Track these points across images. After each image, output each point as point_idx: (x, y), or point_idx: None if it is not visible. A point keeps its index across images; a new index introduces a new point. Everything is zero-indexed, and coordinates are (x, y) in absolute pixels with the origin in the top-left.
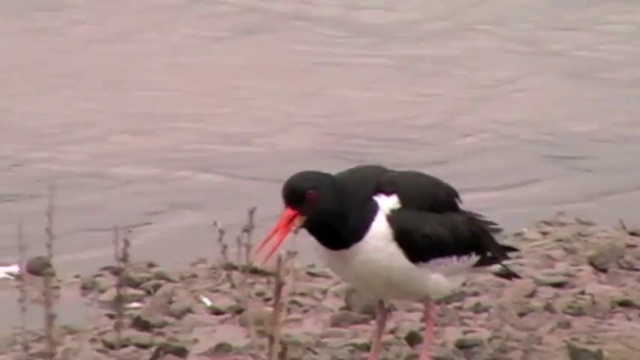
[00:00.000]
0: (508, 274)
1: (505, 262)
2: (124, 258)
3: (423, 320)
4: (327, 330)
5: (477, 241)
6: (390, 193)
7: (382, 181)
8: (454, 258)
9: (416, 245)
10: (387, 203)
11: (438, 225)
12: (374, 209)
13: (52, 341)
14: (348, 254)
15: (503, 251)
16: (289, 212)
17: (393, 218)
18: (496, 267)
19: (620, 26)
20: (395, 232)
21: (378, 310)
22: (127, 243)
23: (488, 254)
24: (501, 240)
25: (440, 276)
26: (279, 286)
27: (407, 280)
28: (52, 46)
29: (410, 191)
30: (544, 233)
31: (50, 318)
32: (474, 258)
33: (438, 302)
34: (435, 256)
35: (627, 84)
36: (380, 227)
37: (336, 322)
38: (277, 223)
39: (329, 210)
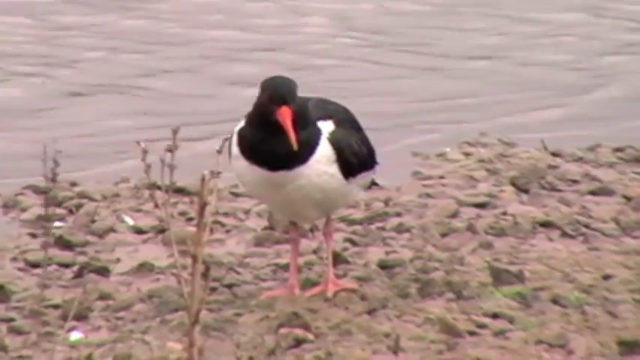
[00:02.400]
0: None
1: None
2: (53, 178)
3: (325, 236)
4: (249, 250)
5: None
6: (326, 118)
7: (312, 108)
8: (371, 171)
9: (352, 162)
10: (327, 128)
11: (361, 142)
12: (318, 133)
13: None
14: (288, 176)
15: None
16: (288, 109)
17: (334, 141)
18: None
19: None
20: (337, 153)
21: (292, 231)
22: (56, 163)
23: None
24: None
25: (358, 187)
26: (202, 205)
27: (338, 197)
28: None
29: (339, 115)
30: (466, 154)
31: None
32: (376, 168)
33: (360, 223)
34: (361, 171)
35: None
36: (325, 151)
37: (258, 242)
38: (287, 121)
39: (306, 113)
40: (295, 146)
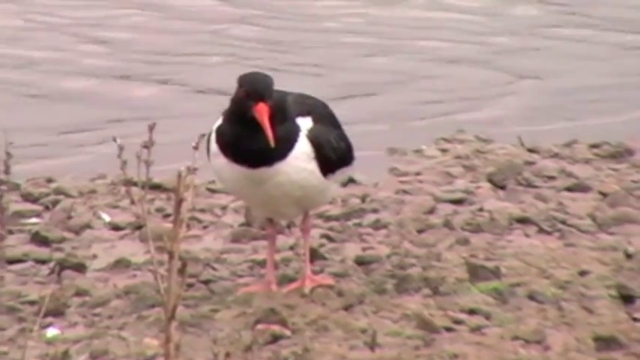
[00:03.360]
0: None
1: None
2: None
3: (303, 232)
4: (226, 246)
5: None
6: (305, 114)
7: (291, 103)
8: (349, 167)
9: (331, 159)
10: (305, 125)
11: (340, 138)
12: (297, 130)
13: None
14: (267, 173)
15: None
16: (264, 106)
17: (312, 137)
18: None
19: None
20: (316, 149)
21: (269, 227)
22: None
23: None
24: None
25: (336, 184)
26: (179, 202)
27: (317, 194)
28: None
29: (318, 111)
30: (443, 150)
31: None
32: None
33: (337, 219)
34: (340, 167)
35: None
36: (303, 147)
37: (235, 238)
38: (264, 117)
39: (284, 109)
40: (272, 143)
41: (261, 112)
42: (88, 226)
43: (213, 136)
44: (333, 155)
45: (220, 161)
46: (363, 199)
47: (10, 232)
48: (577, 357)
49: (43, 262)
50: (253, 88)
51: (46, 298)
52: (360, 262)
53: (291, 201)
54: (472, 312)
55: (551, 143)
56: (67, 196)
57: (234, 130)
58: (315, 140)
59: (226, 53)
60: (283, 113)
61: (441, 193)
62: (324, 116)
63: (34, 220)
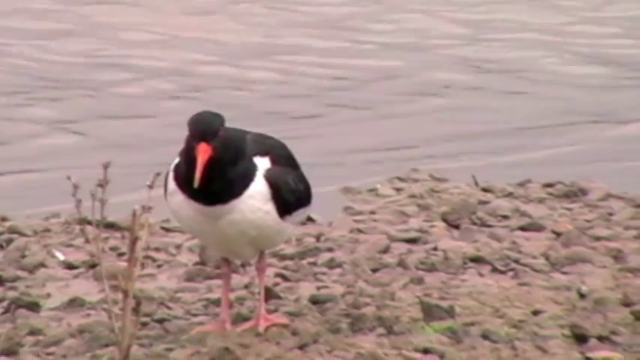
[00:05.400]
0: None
1: None
2: None
3: (258, 271)
4: (181, 285)
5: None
6: (263, 154)
7: (249, 142)
8: (307, 207)
9: (288, 200)
10: (263, 164)
11: (298, 180)
12: (253, 169)
13: None
14: (223, 210)
15: None
16: (205, 146)
17: (270, 178)
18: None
19: None
20: (273, 190)
21: (224, 266)
22: None
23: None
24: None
25: (292, 225)
26: (134, 240)
27: (273, 234)
28: None
29: (277, 152)
30: (398, 189)
31: None
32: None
33: (292, 258)
34: (297, 208)
35: None
36: (259, 187)
37: (190, 277)
38: (200, 158)
39: (233, 148)
40: (196, 183)
41: (200, 152)
42: (42, 264)
43: (171, 175)
44: (291, 197)
45: (177, 199)
46: (318, 238)
47: None
48: None
49: None
50: (195, 129)
51: None
52: (315, 301)
53: (247, 240)
54: (426, 351)
55: (505, 182)
56: (21, 234)
57: (188, 167)
58: (272, 180)
59: None
60: (237, 152)
61: (396, 232)
62: (282, 157)
63: None
